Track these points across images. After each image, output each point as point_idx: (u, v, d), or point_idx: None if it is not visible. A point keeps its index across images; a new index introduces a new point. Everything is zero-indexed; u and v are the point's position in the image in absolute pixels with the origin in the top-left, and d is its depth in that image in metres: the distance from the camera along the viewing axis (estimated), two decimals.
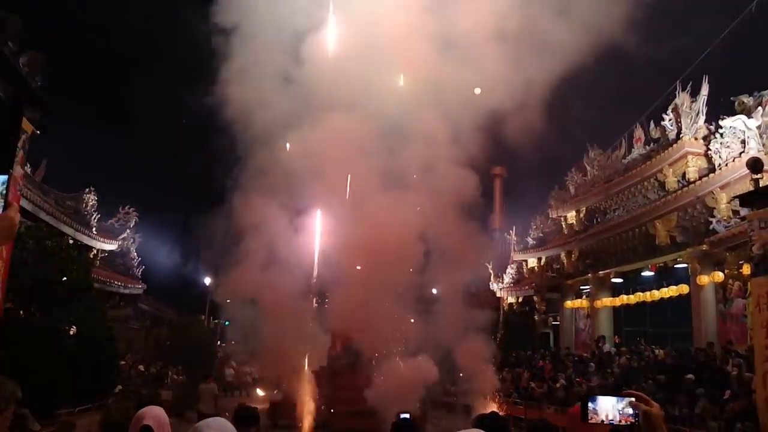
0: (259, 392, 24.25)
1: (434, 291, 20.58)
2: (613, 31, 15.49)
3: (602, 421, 1.80)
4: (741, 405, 11.92)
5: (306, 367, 17.77)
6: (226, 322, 36.07)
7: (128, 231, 30.67)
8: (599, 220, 23.57)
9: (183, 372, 23.52)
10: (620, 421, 1.78)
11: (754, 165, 7.61)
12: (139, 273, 31.53)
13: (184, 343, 23.72)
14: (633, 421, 1.77)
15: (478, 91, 17.83)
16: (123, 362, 19.29)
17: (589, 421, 1.80)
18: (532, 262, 28.27)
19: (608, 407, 1.80)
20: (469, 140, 16.73)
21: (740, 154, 16.26)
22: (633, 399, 1.77)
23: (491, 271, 30.93)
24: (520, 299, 29.75)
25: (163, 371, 23.67)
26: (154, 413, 3.28)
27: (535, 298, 28.04)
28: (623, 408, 1.78)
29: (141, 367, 23.12)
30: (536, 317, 28.11)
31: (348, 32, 18.15)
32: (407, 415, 4.49)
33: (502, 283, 30.65)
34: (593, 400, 1.82)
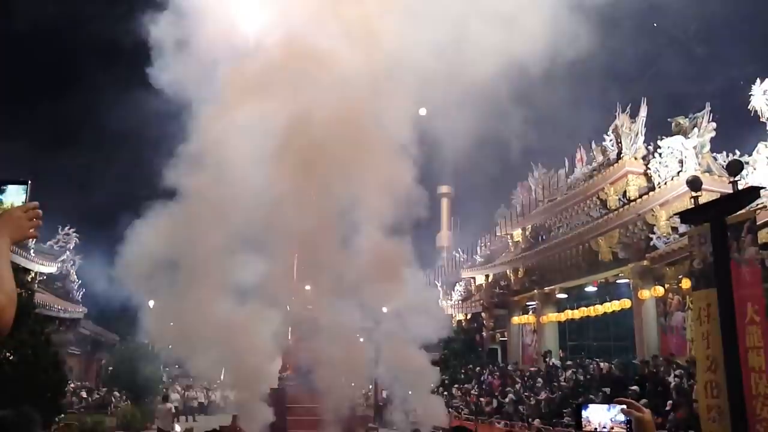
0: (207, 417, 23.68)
1: (384, 310, 20.57)
2: (558, 52, 15.97)
3: (595, 429, 1.89)
4: (683, 414, 12.38)
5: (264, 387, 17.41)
6: (170, 346, 35.07)
7: (68, 253, 29.61)
8: (544, 237, 24.14)
9: (127, 398, 22.75)
10: (612, 428, 1.88)
11: (694, 183, 7.99)
12: (80, 296, 30.40)
13: (127, 368, 22.98)
14: (625, 428, 1.86)
15: (423, 111, 18.01)
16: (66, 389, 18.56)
17: (583, 429, 1.89)
18: (480, 279, 28.65)
19: (600, 415, 1.89)
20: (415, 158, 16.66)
21: (678, 173, 17.05)
22: (624, 406, 1.87)
23: (440, 289, 31.24)
24: (469, 316, 30.09)
25: (107, 397, 22.83)
26: None
27: (483, 314, 28.41)
28: (615, 415, 1.88)
29: (83, 394, 22.26)
30: (484, 333, 28.47)
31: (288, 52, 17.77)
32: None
33: (451, 300, 30.97)
34: (585, 409, 1.91)
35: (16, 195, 1.89)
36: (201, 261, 15.24)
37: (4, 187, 1.91)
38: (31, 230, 1.83)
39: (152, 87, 16.18)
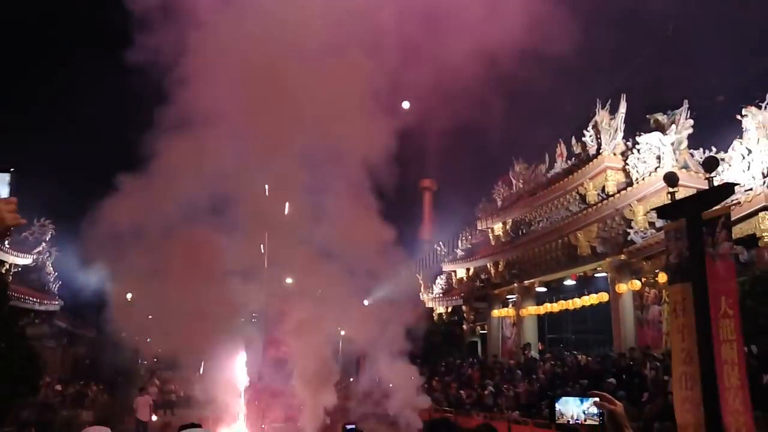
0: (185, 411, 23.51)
1: (365, 302, 20.59)
2: (537, 49, 16.00)
3: (568, 421, 1.90)
4: (658, 406, 12.57)
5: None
6: (148, 339, 34.80)
7: (44, 244, 29.16)
8: (524, 231, 24.27)
9: (104, 391, 22.55)
10: (585, 420, 1.89)
11: (670, 179, 8.05)
12: (56, 288, 29.99)
13: (104, 361, 22.79)
14: (597, 420, 1.87)
15: (406, 105, 17.98)
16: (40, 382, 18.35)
17: (557, 421, 1.90)
18: (461, 272, 28.78)
19: (573, 408, 1.90)
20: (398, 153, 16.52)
21: (656, 168, 17.26)
22: (597, 399, 1.87)
23: (421, 282, 31.31)
24: (450, 309, 30.22)
25: (83, 391, 22.59)
26: None
27: (463, 307, 28.55)
28: (588, 408, 1.89)
29: (58, 387, 21.98)
30: (465, 326, 28.61)
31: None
32: (353, 426, 4.54)
33: (432, 293, 31.07)
34: (559, 401, 1.92)
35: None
36: (173, 240, 14.99)
37: None
38: (10, 222, 1.86)
39: (131, 66, 15.73)
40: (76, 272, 30.79)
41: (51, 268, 29.91)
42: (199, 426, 3.95)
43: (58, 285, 30.10)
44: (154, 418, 18.11)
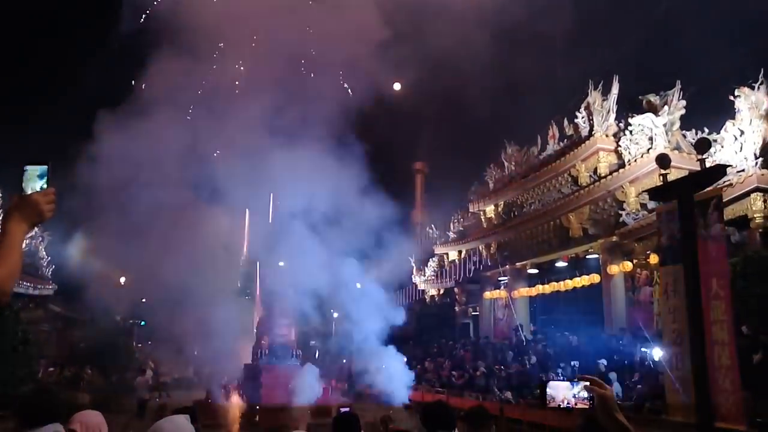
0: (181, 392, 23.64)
1: (358, 285, 20.66)
2: (530, 31, 15.97)
3: (559, 405, 1.93)
4: (648, 386, 12.72)
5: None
6: (143, 322, 34.87)
7: (36, 229, 29.01)
8: (516, 213, 24.30)
9: (100, 374, 22.65)
10: (575, 404, 1.91)
11: (662, 161, 8.06)
12: (49, 273, 29.93)
13: (98, 344, 22.84)
14: (587, 404, 1.90)
15: (397, 86, 17.95)
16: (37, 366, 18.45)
17: (548, 406, 1.92)
18: (453, 255, 28.85)
19: (564, 392, 1.93)
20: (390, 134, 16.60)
21: (648, 150, 17.26)
22: (587, 383, 1.90)
23: (413, 264, 31.40)
24: (442, 291, 30.34)
25: (79, 374, 22.68)
26: (83, 418, 3.20)
27: (455, 289, 28.67)
28: (578, 392, 1.91)
29: (52, 369, 22.07)
30: (457, 308, 28.76)
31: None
32: (347, 409, 4.58)
33: (424, 275, 31.16)
34: (549, 386, 1.94)
35: (35, 177, 1.91)
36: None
37: (25, 169, 1.93)
38: (48, 215, 1.93)
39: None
40: (69, 256, 30.75)
41: (44, 253, 29.84)
42: (194, 411, 3.97)
43: (51, 269, 30.04)
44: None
